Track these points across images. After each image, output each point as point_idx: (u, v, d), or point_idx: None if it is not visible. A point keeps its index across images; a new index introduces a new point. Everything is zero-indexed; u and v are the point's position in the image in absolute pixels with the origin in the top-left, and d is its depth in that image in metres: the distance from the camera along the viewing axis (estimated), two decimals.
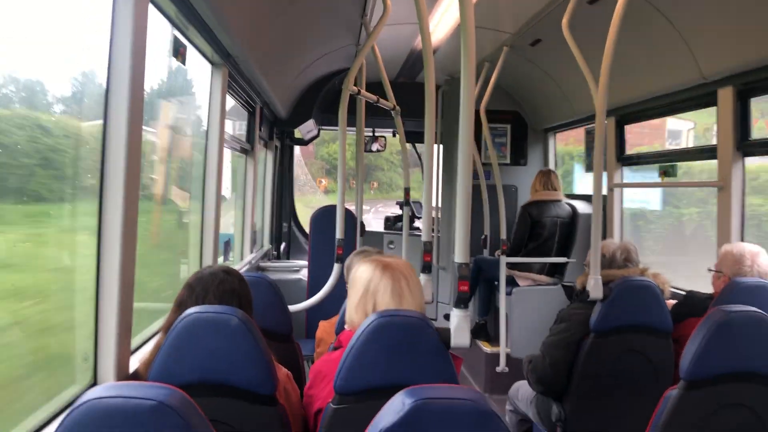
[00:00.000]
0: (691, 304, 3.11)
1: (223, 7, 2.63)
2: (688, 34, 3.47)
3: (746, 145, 3.42)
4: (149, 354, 1.99)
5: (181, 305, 2.00)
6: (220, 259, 4.10)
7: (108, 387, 1.23)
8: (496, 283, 5.18)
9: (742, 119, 3.43)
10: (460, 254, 1.89)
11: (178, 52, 2.50)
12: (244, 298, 2.07)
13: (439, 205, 6.54)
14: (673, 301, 3.28)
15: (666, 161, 4.32)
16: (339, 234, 3.75)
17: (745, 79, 3.33)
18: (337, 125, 3.79)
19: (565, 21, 3.51)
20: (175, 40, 2.50)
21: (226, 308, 1.82)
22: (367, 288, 1.97)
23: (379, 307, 1.92)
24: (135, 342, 2.37)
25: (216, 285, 2.04)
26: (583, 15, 3.60)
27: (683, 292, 3.39)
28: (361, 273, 2.00)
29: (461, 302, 1.87)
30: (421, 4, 2.60)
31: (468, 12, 1.87)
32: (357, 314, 1.99)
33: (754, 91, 3.38)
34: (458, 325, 1.81)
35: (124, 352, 1.99)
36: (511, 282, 5.08)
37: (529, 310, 4.90)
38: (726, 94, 3.44)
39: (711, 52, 3.42)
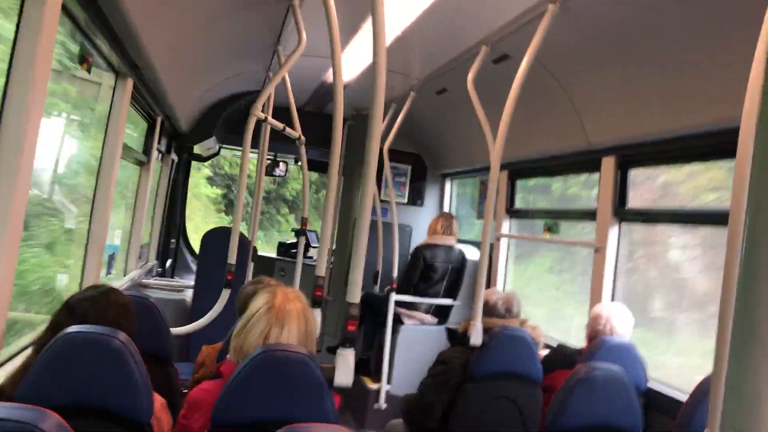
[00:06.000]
0: (560, 357, 3.29)
1: (136, 17, 2.58)
2: (579, 104, 3.72)
3: (623, 212, 3.69)
4: (16, 371, 1.88)
5: (56, 325, 1.89)
6: (103, 272, 3.93)
7: None
8: (381, 319, 5.26)
9: (621, 187, 3.70)
10: (352, 294, 1.91)
11: (85, 60, 2.42)
12: (126, 327, 1.95)
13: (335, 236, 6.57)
14: (545, 352, 3.46)
15: (551, 218, 4.57)
16: (231, 259, 3.65)
17: (627, 151, 3.60)
18: (238, 145, 3.72)
19: (470, 76, 3.67)
20: (82, 47, 2.42)
21: (106, 329, 1.75)
22: (247, 321, 1.94)
23: (248, 345, 1.88)
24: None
25: (98, 310, 1.95)
26: (487, 72, 3.79)
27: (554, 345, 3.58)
28: (252, 304, 1.97)
29: (348, 341, 1.89)
30: (335, 42, 2.67)
31: (380, 53, 1.93)
32: (232, 343, 1.96)
33: (634, 162, 3.65)
34: (343, 364, 1.83)
35: None
36: (397, 320, 5.17)
37: (413, 348, 4.99)
38: (609, 163, 3.70)
39: (598, 122, 3.68)
